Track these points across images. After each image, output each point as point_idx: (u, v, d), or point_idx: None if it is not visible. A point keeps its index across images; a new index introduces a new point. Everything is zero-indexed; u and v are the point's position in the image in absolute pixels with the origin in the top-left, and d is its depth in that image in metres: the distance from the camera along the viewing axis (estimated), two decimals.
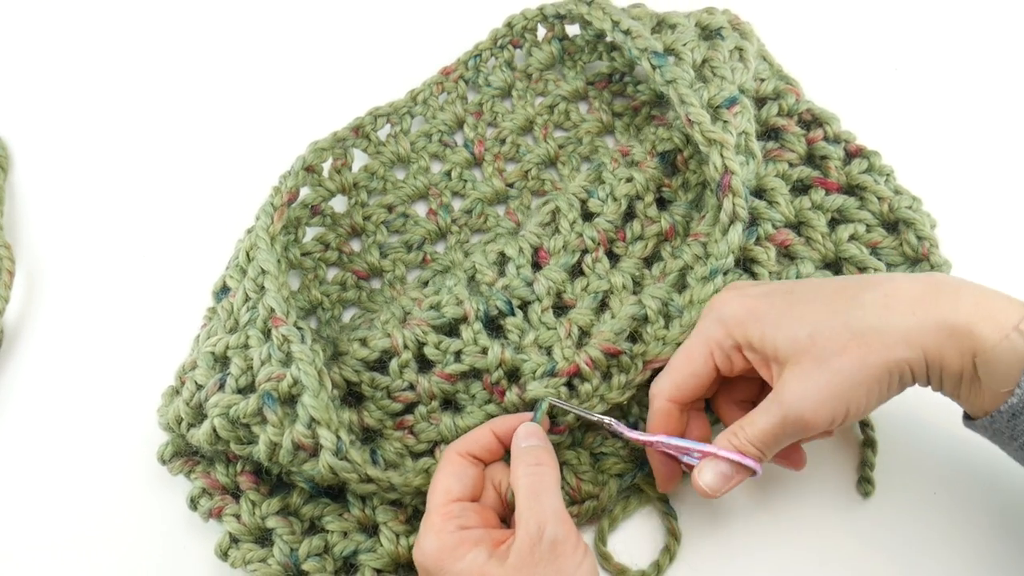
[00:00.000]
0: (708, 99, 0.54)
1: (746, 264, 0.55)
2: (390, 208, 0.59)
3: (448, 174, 0.61)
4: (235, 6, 0.68)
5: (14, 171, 0.62)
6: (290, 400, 0.48)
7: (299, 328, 0.49)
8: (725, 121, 0.54)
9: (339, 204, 0.59)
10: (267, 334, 0.49)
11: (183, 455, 0.52)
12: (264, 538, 0.50)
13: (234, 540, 0.50)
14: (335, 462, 0.46)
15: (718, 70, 0.55)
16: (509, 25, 0.64)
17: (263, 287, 0.51)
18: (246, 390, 0.48)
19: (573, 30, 0.65)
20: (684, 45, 0.56)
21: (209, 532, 0.51)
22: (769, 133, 0.59)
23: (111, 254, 0.59)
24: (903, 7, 0.66)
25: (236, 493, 0.51)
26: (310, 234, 0.58)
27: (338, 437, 0.47)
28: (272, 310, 0.49)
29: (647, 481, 0.52)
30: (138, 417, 0.54)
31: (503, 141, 0.62)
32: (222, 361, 0.50)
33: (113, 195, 0.61)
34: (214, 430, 0.48)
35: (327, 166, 0.59)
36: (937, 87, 0.64)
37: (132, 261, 0.59)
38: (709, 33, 0.58)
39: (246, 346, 0.49)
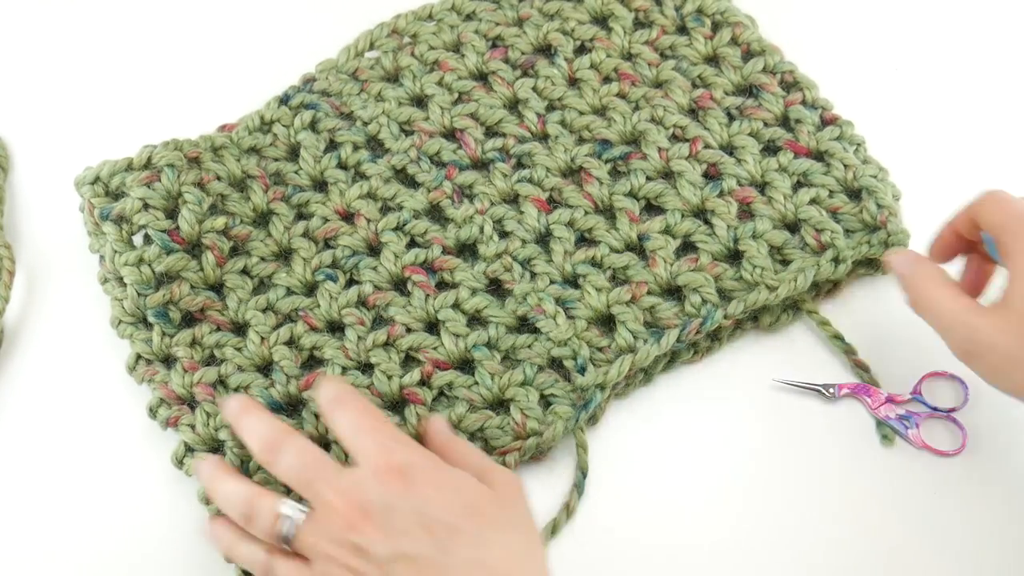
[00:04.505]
0: None
1: (706, 216, 0.56)
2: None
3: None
4: (235, 7, 0.68)
5: (14, 171, 0.62)
6: None
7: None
8: None
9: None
10: None
11: (147, 362, 0.54)
12: (219, 448, 0.52)
13: (189, 449, 0.52)
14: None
15: None
16: None
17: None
18: None
19: None
20: None
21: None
22: (749, 89, 0.60)
23: None
24: (903, 7, 0.66)
25: (192, 404, 0.53)
26: None
27: None
28: None
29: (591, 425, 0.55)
30: (138, 417, 0.54)
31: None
32: None
33: None
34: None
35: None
36: (938, 87, 0.64)
37: None
38: None
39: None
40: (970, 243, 0.51)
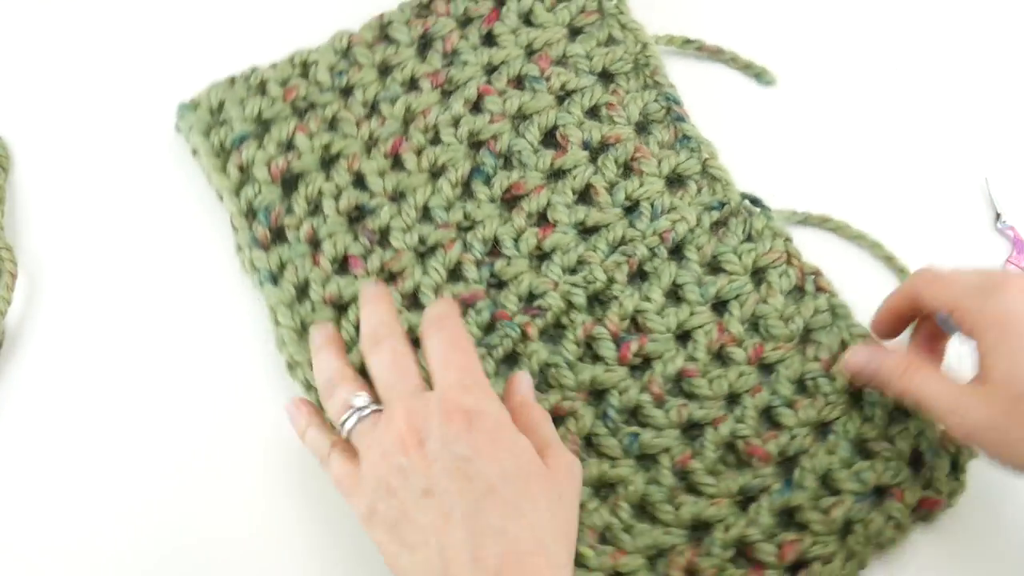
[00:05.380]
0: None
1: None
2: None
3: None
4: (237, 7, 0.67)
5: (15, 171, 0.61)
6: None
7: None
8: None
9: None
10: None
11: None
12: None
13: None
14: None
15: None
16: None
17: None
18: None
19: None
20: None
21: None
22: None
23: (114, 255, 0.59)
24: (903, 7, 0.67)
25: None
26: None
27: None
28: None
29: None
30: (140, 420, 0.54)
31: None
32: None
33: (116, 195, 0.60)
34: None
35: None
36: (937, 87, 0.64)
37: (136, 263, 0.58)
38: None
39: None
40: (910, 319, 0.51)
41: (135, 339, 0.57)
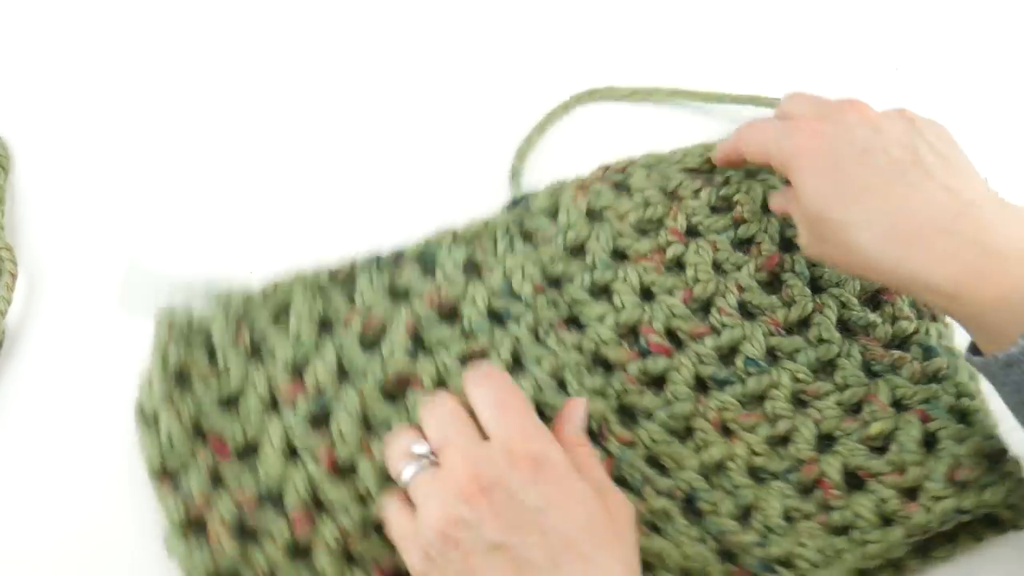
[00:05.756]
0: None
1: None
2: None
3: None
4: (240, 7, 0.67)
5: (15, 171, 0.61)
6: None
7: None
8: None
9: None
10: None
11: None
12: None
13: None
14: None
15: None
16: None
17: None
18: None
19: None
20: None
21: None
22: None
23: (115, 256, 0.59)
24: (903, 7, 0.67)
25: None
26: None
27: None
28: None
29: None
30: None
31: None
32: None
33: (117, 196, 0.60)
34: None
35: None
36: (938, 87, 0.64)
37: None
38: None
39: None
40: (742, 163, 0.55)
41: (134, 339, 0.56)
